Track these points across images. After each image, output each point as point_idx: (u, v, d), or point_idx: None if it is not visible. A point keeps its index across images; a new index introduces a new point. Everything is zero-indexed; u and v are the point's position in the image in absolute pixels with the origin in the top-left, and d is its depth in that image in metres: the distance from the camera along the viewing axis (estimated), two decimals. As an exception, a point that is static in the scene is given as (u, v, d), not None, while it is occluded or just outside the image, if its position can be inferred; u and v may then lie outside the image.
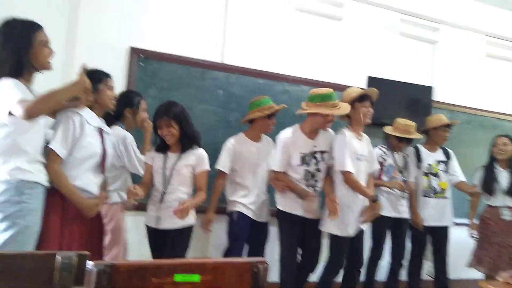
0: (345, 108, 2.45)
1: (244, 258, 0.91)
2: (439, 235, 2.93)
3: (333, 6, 3.58)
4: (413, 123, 2.92)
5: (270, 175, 2.63)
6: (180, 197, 2.17)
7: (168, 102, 2.26)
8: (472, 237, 2.98)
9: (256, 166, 2.65)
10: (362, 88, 2.69)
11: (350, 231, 2.48)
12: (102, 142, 1.80)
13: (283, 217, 2.52)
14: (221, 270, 0.88)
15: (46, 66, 1.67)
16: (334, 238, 2.49)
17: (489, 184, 2.92)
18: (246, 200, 2.59)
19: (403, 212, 2.87)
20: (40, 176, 1.58)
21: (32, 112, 1.47)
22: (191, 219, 2.22)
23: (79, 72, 1.61)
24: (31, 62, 1.60)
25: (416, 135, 2.90)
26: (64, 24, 2.79)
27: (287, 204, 2.50)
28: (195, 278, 0.85)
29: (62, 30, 2.77)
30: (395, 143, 2.94)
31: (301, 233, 2.51)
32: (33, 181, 1.54)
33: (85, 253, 0.79)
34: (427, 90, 3.61)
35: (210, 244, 2.97)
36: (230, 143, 2.64)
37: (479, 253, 2.90)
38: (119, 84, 2.74)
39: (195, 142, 2.25)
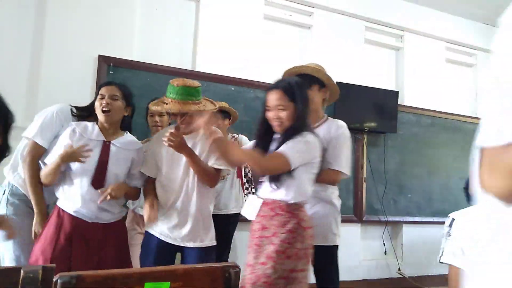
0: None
1: (216, 263, 0.93)
2: None
3: (302, 15, 3.68)
4: None
5: None
6: None
7: None
8: None
9: None
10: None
11: None
12: None
13: None
14: (191, 276, 0.89)
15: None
16: None
17: None
18: None
19: None
20: None
21: None
22: None
23: None
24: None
25: None
26: (30, 31, 2.68)
27: None
28: (165, 285, 0.85)
29: (28, 37, 2.67)
30: None
31: None
32: None
33: (52, 266, 0.77)
34: (393, 94, 3.76)
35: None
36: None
37: None
38: (87, 92, 2.69)
39: None
